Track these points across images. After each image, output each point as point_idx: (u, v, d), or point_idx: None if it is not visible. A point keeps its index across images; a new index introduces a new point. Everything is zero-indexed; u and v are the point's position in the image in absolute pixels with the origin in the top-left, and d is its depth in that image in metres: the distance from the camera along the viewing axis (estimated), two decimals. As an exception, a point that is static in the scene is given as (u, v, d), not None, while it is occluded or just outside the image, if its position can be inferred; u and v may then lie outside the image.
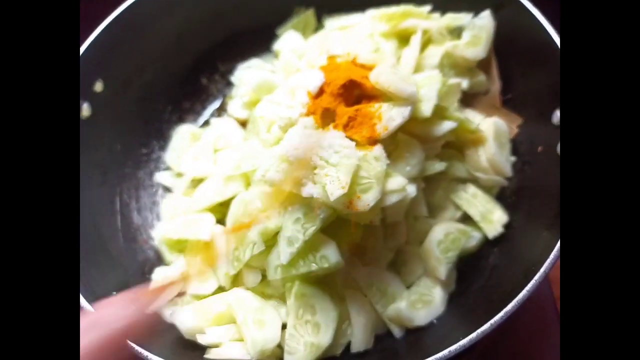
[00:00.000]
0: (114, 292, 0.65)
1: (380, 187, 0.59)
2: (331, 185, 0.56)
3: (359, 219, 0.61)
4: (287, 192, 0.62)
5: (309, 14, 0.97)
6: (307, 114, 0.66)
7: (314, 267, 0.60)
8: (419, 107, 0.67)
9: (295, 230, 0.60)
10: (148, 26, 0.86)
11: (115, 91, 0.83)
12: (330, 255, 0.60)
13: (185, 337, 0.65)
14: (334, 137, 0.61)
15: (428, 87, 0.69)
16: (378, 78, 0.65)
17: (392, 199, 0.60)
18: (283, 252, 0.60)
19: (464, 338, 0.54)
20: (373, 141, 0.63)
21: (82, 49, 0.77)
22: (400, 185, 0.61)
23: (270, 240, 0.64)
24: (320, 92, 0.68)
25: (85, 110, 0.78)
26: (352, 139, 0.64)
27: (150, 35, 0.88)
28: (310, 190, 0.57)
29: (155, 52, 0.90)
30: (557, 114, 0.68)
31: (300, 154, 0.57)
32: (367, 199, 0.58)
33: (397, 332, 0.65)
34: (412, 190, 0.63)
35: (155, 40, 0.89)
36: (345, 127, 0.64)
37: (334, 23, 0.94)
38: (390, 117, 0.63)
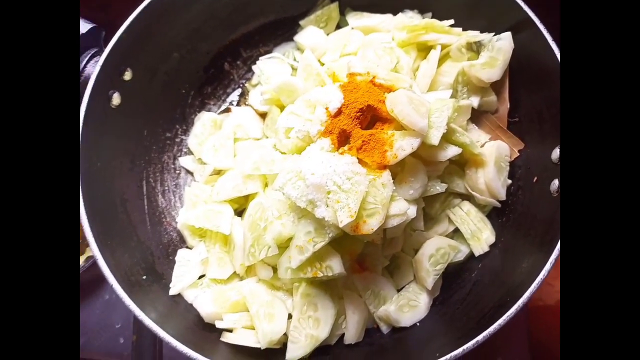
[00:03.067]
0: (144, 277, 0.75)
1: (384, 212, 0.66)
2: (341, 212, 0.63)
3: (363, 237, 0.69)
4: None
5: (332, 8, 0.98)
6: (325, 133, 0.72)
7: (319, 274, 0.69)
8: (428, 134, 0.72)
9: (305, 242, 0.68)
10: (173, 15, 0.88)
11: (142, 79, 0.87)
12: (334, 266, 0.69)
13: (205, 321, 0.76)
14: (348, 162, 0.67)
15: (439, 113, 0.74)
16: (393, 107, 0.69)
17: (394, 222, 0.68)
18: (294, 258, 0.69)
19: (442, 344, 0.65)
20: (382, 166, 0.70)
21: (113, 40, 0.80)
22: (402, 210, 0.68)
23: (284, 244, 0.73)
24: (339, 112, 0.73)
25: (116, 99, 0.83)
26: (364, 162, 0.70)
27: (176, 24, 0.90)
28: (322, 212, 0.65)
29: (180, 39, 0.92)
30: (556, 152, 0.73)
31: (316, 181, 0.64)
32: (372, 224, 0.65)
33: (384, 329, 0.76)
34: (412, 212, 0.71)
35: (180, 28, 0.91)
36: (359, 150, 0.70)
37: (356, 21, 0.96)
38: (400, 146, 0.69)
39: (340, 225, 0.63)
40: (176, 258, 0.83)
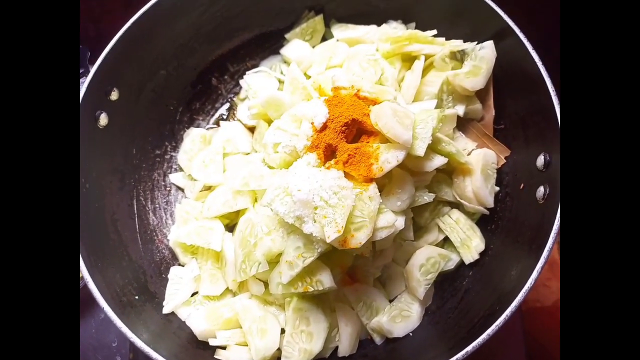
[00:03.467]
0: (137, 297, 0.75)
1: (372, 226, 0.67)
2: (329, 227, 0.63)
3: (352, 251, 0.70)
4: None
5: (317, 21, 0.99)
6: (311, 148, 0.73)
7: (310, 289, 0.69)
8: (413, 146, 0.73)
9: (295, 257, 0.69)
10: (158, 33, 0.89)
11: (129, 98, 0.88)
12: (325, 280, 0.69)
13: (198, 339, 0.76)
14: (334, 177, 0.67)
15: (424, 124, 0.74)
16: (378, 120, 0.70)
17: (382, 235, 0.68)
18: (284, 274, 0.70)
19: (435, 354, 0.65)
20: (369, 180, 0.70)
21: (99, 60, 0.81)
22: (390, 222, 0.69)
23: (274, 259, 0.73)
24: (324, 126, 0.73)
25: (103, 119, 0.83)
26: (350, 176, 0.71)
27: (161, 41, 0.90)
28: (310, 228, 0.65)
29: (166, 56, 0.93)
30: (540, 159, 0.74)
31: (303, 197, 0.64)
32: (360, 237, 0.66)
33: (378, 340, 0.77)
34: (400, 224, 0.71)
35: (166, 45, 0.92)
36: (345, 164, 0.71)
37: (341, 33, 0.97)
38: (386, 158, 0.70)
39: (328, 241, 0.63)
40: (169, 276, 0.83)
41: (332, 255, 0.72)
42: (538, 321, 1.15)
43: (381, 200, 0.69)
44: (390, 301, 0.79)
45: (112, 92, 0.85)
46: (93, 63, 0.81)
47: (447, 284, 0.82)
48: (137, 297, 0.75)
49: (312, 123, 0.74)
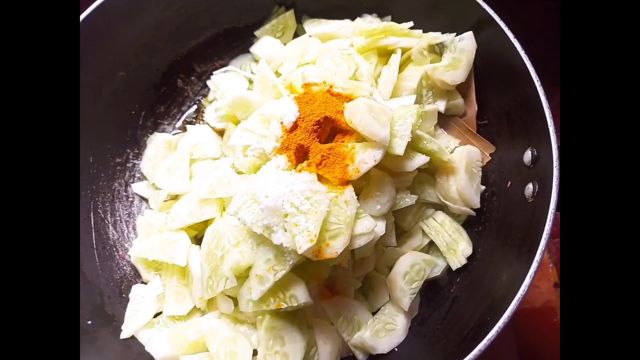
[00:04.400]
0: (89, 322, 0.67)
1: (349, 233, 0.61)
2: (300, 237, 0.57)
3: (328, 261, 0.63)
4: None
5: (288, 16, 0.93)
6: (281, 150, 0.66)
7: (283, 305, 0.63)
8: (392, 143, 0.67)
9: (265, 270, 0.62)
10: (115, 31, 0.82)
11: (85, 101, 0.81)
12: (299, 295, 0.63)
13: (161, 365, 0.68)
14: (306, 181, 0.61)
15: (402, 121, 0.69)
16: (352, 118, 0.64)
17: (361, 242, 0.62)
18: (254, 290, 0.63)
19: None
20: (345, 182, 0.64)
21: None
22: (369, 228, 0.63)
23: (243, 274, 0.67)
24: (294, 126, 0.67)
25: (54, 125, 0.76)
26: (324, 179, 0.65)
27: (120, 40, 0.84)
28: (280, 238, 0.59)
29: (125, 56, 0.86)
30: (528, 154, 0.69)
31: (271, 204, 0.58)
32: (336, 246, 0.59)
33: (361, 358, 0.70)
34: (380, 229, 0.65)
35: (125, 44, 0.85)
36: (318, 166, 0.65)
37: (313, 28, 0.91)
38: (362, 159, 0.64)
39: (300, 252, 0.57)
40: (130, 295, 0.75)
41: (306, 267, 0.65)
42: (528, 323, 1.11)
43: (359, 205, 0.63)
44: (373, 314, 0.73)
45: (63, 96, 0.77)
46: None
47: (433, 292, 0.76)
48: (89, 322, 0.67)
49: (281, 123, 0.68)
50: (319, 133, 0.67)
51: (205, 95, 0.97)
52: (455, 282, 0.75)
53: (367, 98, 0.69)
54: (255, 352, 0.68)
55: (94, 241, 0.79)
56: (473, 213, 0.77)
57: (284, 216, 0.59)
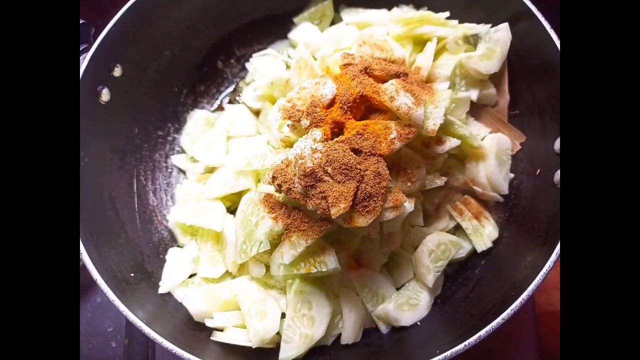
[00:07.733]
0: (132, 274, 0.72)
1: (379, 204, 0.63)
2: (334, 204, 0.60)
3: (358, 230, 0.66)
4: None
5: (326, 5, 0.97)
6: (318, 124, 0.70)
7: (313, 270, 0.66)
8: (425, 124, 0.70)
9: (298, 236, 0.65)
10: (164, 12, 0.87)
11: (133, 76, 0.86)
12: (329, 261, 0.66)
13: (195, 320, 0.72)
14: (341, 153, 0.64)
15: (436, 104, 0.72)
16: (387, 97, 0.67)
17: (390, 215, 0.65)
18: (286, 254, 0.66)
19: (443, 343, 0.61)
20: (377, 157, 0.67)
21: (101, 35, 0.79)
22: (399, 202, 0.65)
23: (276, 239, 0.70)
24: (331, 103, 0.70)
25: (105, 95, 0.81)
26: (358, 152, 0.68)
27: (167, 21, 0.89)
28: (314, 204, 0.62)
29: (172, 36, 0.91)
30: (558, 142, 0.71)
31: (307, 172, 0.61)
32: (367, 216, 0.62)
33: (383, 329, 0.73)
34: (409, 206, 0.68)
35: (172, 24, 0.90)
36: (352, 141, 0.68)
37: (350, 17, 0.94)
38: (395, 136, 0.66)
39: (333, 217, 0.60)
40: (167, 257, 0.80)
41: (337, 236, 0.68)
42: (551, 325, 1.10)
43: (390, 179, 0.66)
44: (398, 289, 0.75)
45: (115, 68, 0.82)
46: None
47: (457, 273, 0.78)
48: (132, 275, 0.72)
49: (319, 99, 0.71)
50: (355, 111, 0.70)
51: (243, 78, 1.02)
52: (479, 265, 0.76)
53: (402, 79, 0.72)
54: (283, 316, 0.71)
55: (136, 205, 0.84)
56: (501, 199, 0.78)
57: (319, 184, 0.62)
